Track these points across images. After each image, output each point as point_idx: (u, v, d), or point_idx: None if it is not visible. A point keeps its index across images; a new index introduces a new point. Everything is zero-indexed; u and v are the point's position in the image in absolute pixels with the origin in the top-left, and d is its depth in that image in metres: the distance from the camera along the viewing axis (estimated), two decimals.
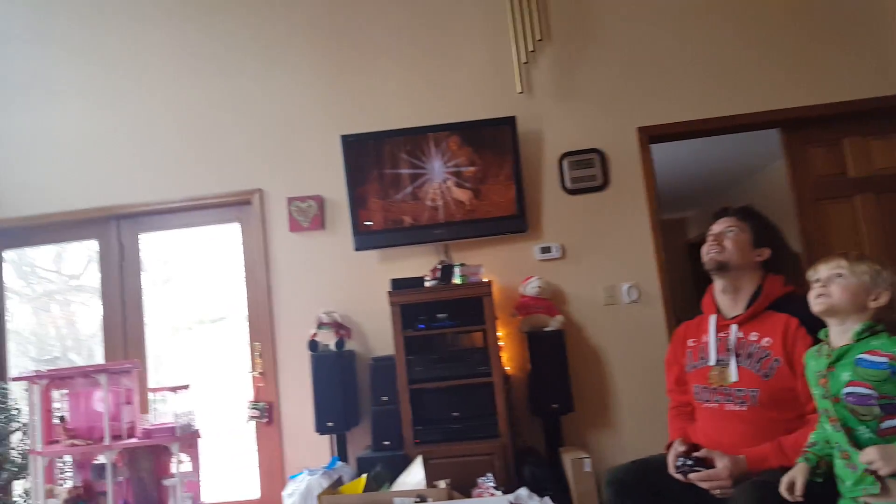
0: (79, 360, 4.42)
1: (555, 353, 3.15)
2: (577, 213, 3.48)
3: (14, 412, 3.39)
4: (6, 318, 3.81)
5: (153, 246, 3.77)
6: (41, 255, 4.13)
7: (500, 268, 3.42)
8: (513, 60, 3.54)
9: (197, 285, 3.84)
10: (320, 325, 3.34)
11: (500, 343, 3.15)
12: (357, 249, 3.42)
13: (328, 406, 3.16)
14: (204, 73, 3.69)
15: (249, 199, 3.57)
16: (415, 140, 3.45)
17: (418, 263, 3.43)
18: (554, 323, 3.23)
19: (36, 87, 3.78)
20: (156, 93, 3.71)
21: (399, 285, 3.19)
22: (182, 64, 3.71)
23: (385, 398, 3.10)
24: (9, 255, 3.85)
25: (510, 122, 3.41)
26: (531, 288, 3.28)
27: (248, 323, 3.59)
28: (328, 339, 3.32)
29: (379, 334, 3.38)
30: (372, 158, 3.45)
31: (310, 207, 3.57)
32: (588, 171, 3.49)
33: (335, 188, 3.54)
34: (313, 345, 3.30)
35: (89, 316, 4.15)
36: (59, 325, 4.53)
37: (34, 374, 3.03)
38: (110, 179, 3.66)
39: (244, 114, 3.65)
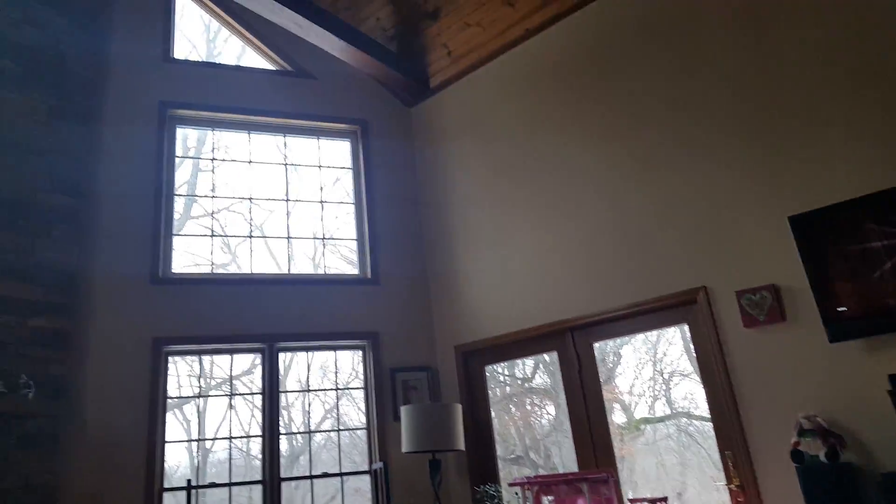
0: (538, 460, 4.82)
1: None
2: None
3: None
4: (494, 423, 4.37)
5: (604, 352, 3.95)
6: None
7: None
8: None
9: (649, 388, 3.85)
10: (802, 432, 2.94)
11: None
12: (832, 341, 2.96)
13: None
14: (633, 184, 3.85)
15: (694, 298, 3.47)
16: (885, 206, 2.92)
17: None
18: None
19: (493, 232, 4.47)
20: (591, 211, 4.00)
21: None
22: (612, 179, 3.95)
23: None
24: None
25: None
26: None
27: (713, 429, 3.38)
28: (815, 449, 2.88)
29: (884, 443, 2.79)
30: (830, 236, 3.03)
31: (763, 299, 3.28)
32: None
33: (790, 274, 3.20)
34: (797, 455, 2.90)
35: (543, 417, 4.52)
36: (518, 425, 5.05)
37: (526, 480, 3.38)
38: (562, 296, 4.01)
39: (678, 214, 3.65)
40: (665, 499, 2.94)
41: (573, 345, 3.94)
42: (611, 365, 3.96)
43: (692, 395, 3.57)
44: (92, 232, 4.13)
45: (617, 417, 3.87)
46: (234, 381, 4.52)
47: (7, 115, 3.91)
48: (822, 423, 2.92)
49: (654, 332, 3.74)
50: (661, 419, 3.87)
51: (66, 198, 4.03)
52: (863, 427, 2.88)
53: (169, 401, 4.09)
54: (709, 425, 3.41)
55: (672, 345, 3.72)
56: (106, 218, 4.20)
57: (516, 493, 3.55)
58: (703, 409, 3.45)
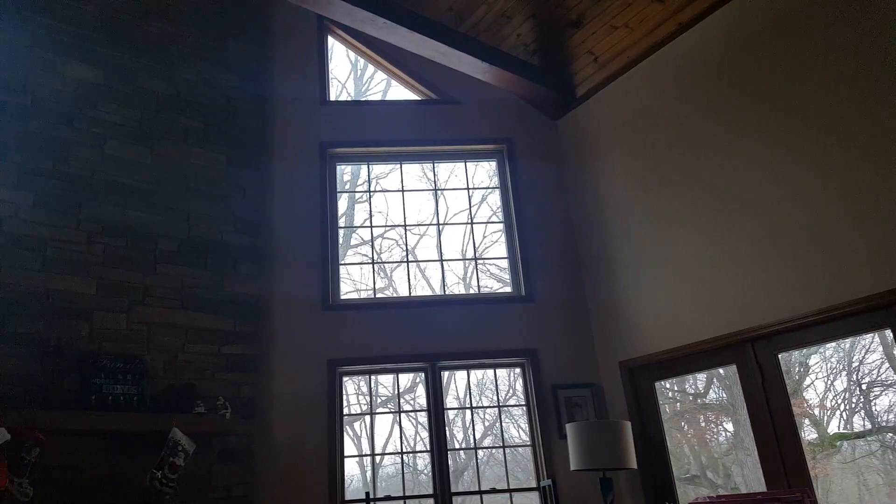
0: (716, 479, 4.53)
1: None
2: None
3: None
4: (667, 441, 4.17)
5: (789, 363, 3.65)
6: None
7: None
8: None
9: (844, 401, 3.50)
10: None
11: None
12: None
13: None
14: (814, 177, 3.50)
15: None
16: None
17: None
18: None
19: (655, 241, 4.30)
20: (766, 210, 3.70)
21: None
22: (789, 174, 3.63)
23: None
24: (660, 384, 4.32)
25: None
26: None
27: None
28: None
29: None
30: None
31: None
32: None
33: None
34: None
35: (719, 434, 4.23)
36: (692, 443, 4.79)
37: (708, 499, 3.19)
38: (738, 305, 3.74)
39: (870, 205, 3.26)
40: None
41: (754, 356, 3.67)
42: (797, 377, 3.65)
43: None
44: (269, 265, 4.53)
45: (806, 433, 3.55)
46: (398, 399, 4.72)
47: (194, 167, 4.41)
48: None
49: (847, 339, 3.40)
50: (861, 435, 3.49)
51: (246, 236, 4.46)
52: None
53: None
54: None
55: (870, 352, 3.35)
56: (280, 252, 4.59)
57: None
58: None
